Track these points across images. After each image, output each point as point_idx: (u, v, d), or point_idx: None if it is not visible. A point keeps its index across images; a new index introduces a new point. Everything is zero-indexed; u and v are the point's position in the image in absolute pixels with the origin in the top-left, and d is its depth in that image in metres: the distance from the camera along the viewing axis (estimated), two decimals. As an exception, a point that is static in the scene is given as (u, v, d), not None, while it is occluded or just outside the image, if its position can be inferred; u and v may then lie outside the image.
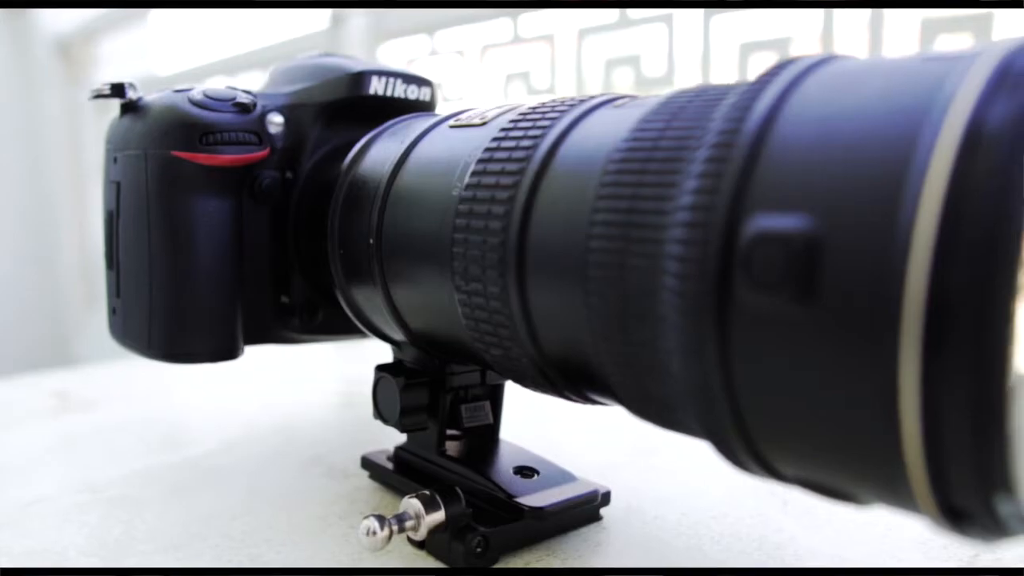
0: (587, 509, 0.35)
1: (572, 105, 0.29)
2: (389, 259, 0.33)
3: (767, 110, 0.21)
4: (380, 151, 0.35)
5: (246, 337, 0.40)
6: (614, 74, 0.89)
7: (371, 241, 0.33)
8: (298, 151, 0.40)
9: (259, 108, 0.38)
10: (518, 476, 0.35)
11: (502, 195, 0.27)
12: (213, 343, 0.38)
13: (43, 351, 1.92)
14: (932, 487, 0.18)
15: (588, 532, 0.35)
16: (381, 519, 0.31)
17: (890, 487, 0.19)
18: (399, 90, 0.40)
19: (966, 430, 0.17)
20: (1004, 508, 0.18)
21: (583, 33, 0.92)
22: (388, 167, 0.34)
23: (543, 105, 0.30)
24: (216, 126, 0.37)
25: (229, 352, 0.38)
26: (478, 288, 0.28)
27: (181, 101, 0.37)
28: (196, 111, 0.37)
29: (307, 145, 0.40)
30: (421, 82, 0.40)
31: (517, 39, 0.98)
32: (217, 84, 0.42)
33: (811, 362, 0.19)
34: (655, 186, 0.23)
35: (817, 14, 0.74)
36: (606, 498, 0.35)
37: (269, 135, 0.39)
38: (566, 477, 0.35)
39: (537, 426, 0.47)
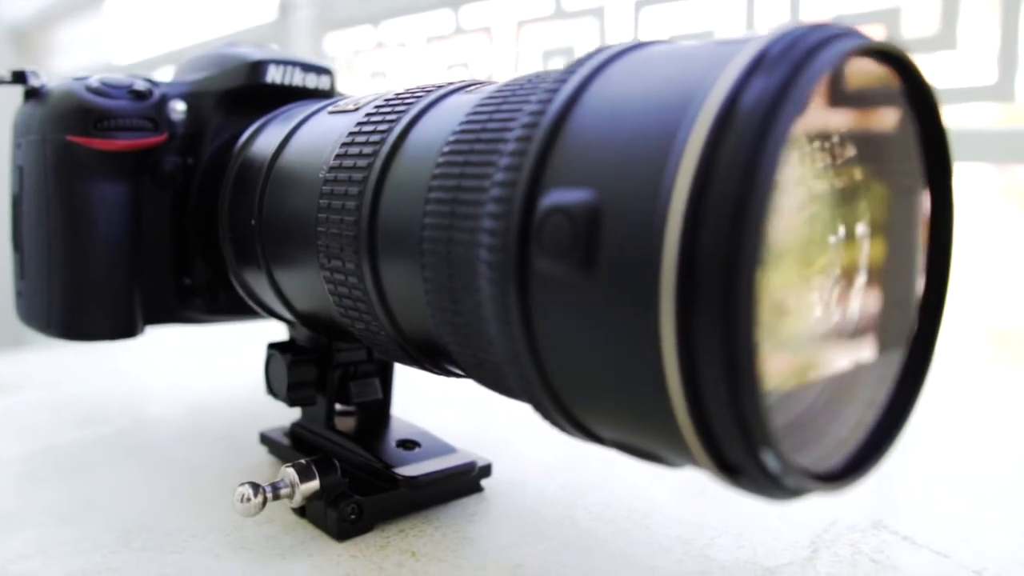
0: (466, 480, 0.36)
1: (429, 91, 0.30)
2: (270, 241, 0.34)
3: (569, 95, 0.22)
4: (266, 136, 0.37)
5: (150, 317, 0.41)
6: (550, 64, 0.91)
7: (253, 223, 0.35)
8: (199, 137, 0.41)
9: (157, 95, 0.40)
10: (400, 449, 0.36)
11: (357, 176, 0.29)
12: (110, 322, 0.39)
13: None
14: (703, 444, 0.20)
15: (468, 502, 0.36)
16: (255, 487, 0.32)
17: (674, 446, 0.21)
18: (297, 78, 0.41)
19: (722, 388, 0.18)
20: (772, 463, 0.19)
21: (521, 24, 0.93)
22: (271, 151, 0.35)
23: (406, 91, 0.31)
24: (111, 112, 0.38)
25: (127, 330, 0.40)
26: (338, 265, 0.30)
27: (78, 88, 0.38)
28: (91, 97, 0.38)
29: (208, 132, 0.41)
30: (319, 70, 0.42)
31: (459, 30, 1.00)
32: (167, 74, 0.44)
33: (595, 327, 0.20)
34: (479, 165, 0.24)
35: (740, 4, 0.76)
36: (486, 470, 0.37)
37: (168, 121, 0.40)
38: (446, 449, 0.37)
39: (437, 402, 0.48)
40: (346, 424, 0.39)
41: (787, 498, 0.22)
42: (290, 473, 0.33)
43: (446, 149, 0.26)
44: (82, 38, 1.83)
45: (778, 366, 0.22)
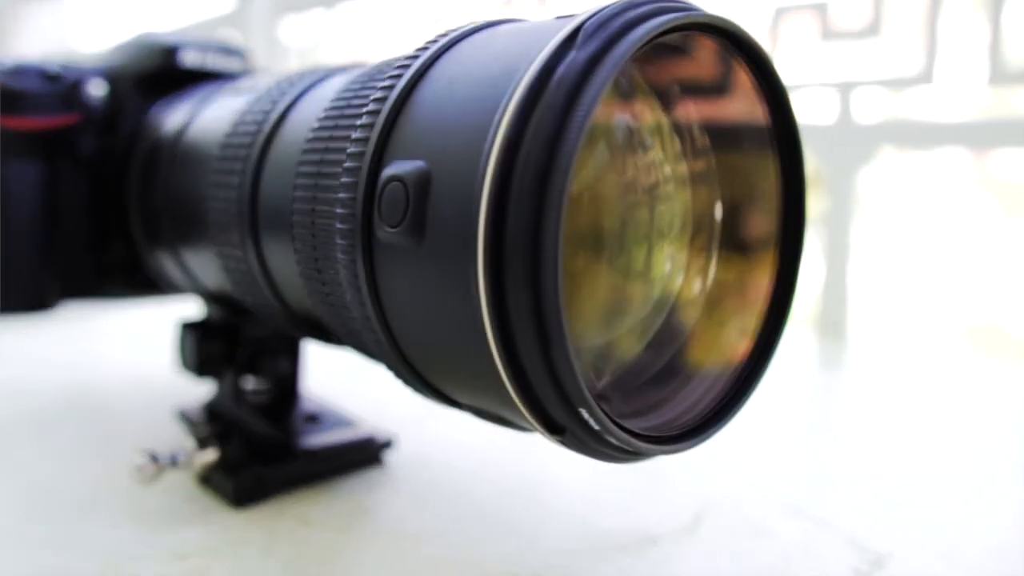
0: (365, 453, 0.37)
1: (315, 72, 0.31)
2: (173, 219, 0.35)
3: (416, 72, 0.23)
4: (171, 118, 0.38)
5: (68, 292, 0.42)
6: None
7: (159, 203, 0.36)
8: (117, 120, 0.42)
9: (71, 78, 0.40)
10: (304, 422, 0.37)
11: (241, 153, 0.30)
12: (23, 296, 0.40)
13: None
14: (527, 404, 0.21)
15: (370, 475, 0.37)
16: (153, 456, 0.33)
17: (506, 408, 0.22)
18: (210, 61, 0.42)
19: (535, 349, 0.19)
20: (592, 421, 0.20)
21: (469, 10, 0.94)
22: (172, 132, 0.36)
23: (296, 73, 0.32)
24: (22, 93, 0.39)
25: (40, 304, 0.41)
26: (226, 240, 0.31)
27: (-8, 71, 0.39)
28: (4, 79, 0.39)
29: (126, 114, 0.42)
30: (231, 52, 0.43)
31: (409, 15, 1.00)
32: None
33: (428, 294, 0.21)
34: (339, 140, 0.25)
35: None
36: (387, 444, 0.38)
37: (83, 104, 0.41)
38: (347, 424, 0.38)
39: (357, 379, 0.49)
40: (257, 399, 0.39)
41: (626, 459, 0.23)
42: (189, 443, 0.34)
43: (316, 126, 0.27)
44: (45, 25, 1.82)
45: (596, 330, 0.23)
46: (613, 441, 0.21)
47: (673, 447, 0.23)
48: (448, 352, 0.22)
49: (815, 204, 0.73)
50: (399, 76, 0.23)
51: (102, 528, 0.32)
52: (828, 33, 0.69)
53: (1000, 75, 0.61)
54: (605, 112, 0.24)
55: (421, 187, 0.21)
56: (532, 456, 0.39)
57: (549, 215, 0.18)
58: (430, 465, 0.39)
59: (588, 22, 0.20)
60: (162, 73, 0.42)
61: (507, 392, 0.21)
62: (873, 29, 0.66)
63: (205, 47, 0.42)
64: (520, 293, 0.19)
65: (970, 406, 0.53)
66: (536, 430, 0.22)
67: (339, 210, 0.24)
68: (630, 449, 0.22)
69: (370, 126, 0.23)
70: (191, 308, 0.45)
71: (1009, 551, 0.32)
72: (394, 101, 0.23)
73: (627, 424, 0.22)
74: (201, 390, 0.42)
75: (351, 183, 0.23)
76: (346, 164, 0.24)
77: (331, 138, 0.26)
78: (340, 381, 0.45)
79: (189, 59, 0.41)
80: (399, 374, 0.25)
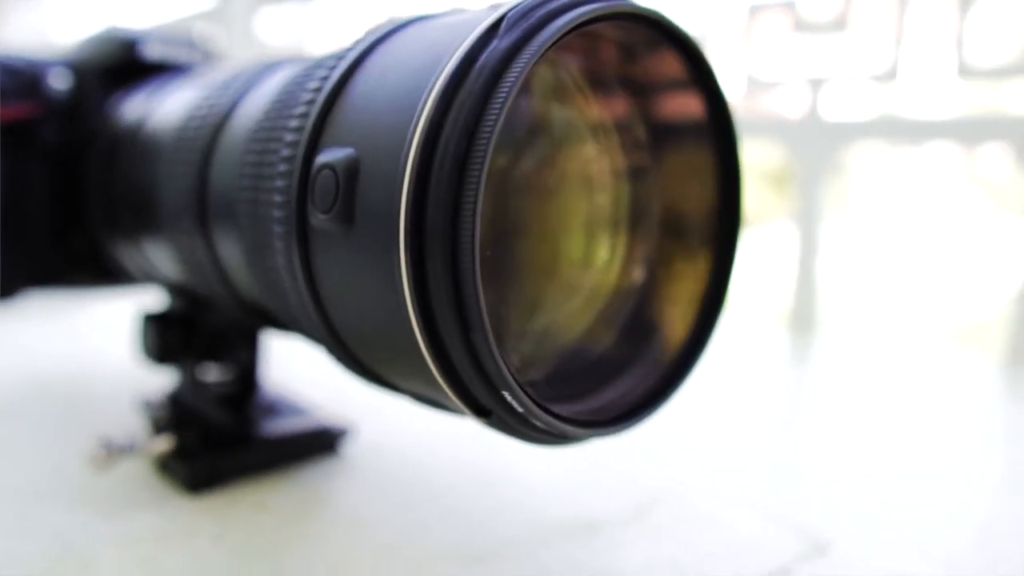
0: (321, 441, 0.38)
1: (265, 64, 0.31)
2: (132, 210, 0.36)
3: (352, 62, 0.24)
4: (131, 108, 0.38)
5: (33, 281, 0.43)
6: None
7: (119, 193, 0.36)
8: (81, 110, 0.42)
9: (34, 70, 0.41)
10: (262, 411, 0.38)
11: (192, 145, 0.30)
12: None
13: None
14: (453, 388, 0.21)
15: (327, 463, 0.38)
16: (109, 443, 0.33)
17: (436, 391, 0.22)
18: (172, 53, 0.42)
19: (456, 332, 0.20)
20: (517, 404, 0.21)
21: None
22: (131, 124, 0.36)
23: (250, 64, 0.33)
24: (-18, 84, 0.39)
25: (2, 293, 0.41)
26: (179, 230, 0.31)
27: (-47, 61, 0.39)
28: (-36, 70, 0.39)
29: (90, 105, 0.42)
30: (193, 45, 0.43)
31: (385, 7, 1.00)
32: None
33: (358, 280, 0.22)
34: (280, 130, 0.25)
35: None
36: (344, 433, 0.38)
37: (47, 95, 0.41)
38: (305, 413, 0.38)
39: (322, 368, 0.50)
40: (220, 391, 0.40)
41: (554, 442, 0.23)
42: (144, 431, 0.34)
43: (261, 117, 0.27)
44: (27, 21, 1.82)
45: (530, 315, 0.24)
46: (538, 424, 0.21)
47: (603, 431, 0.24)
48: (379, 337, 0.22)
49: (786, 199, 0.73)
50: (334, 67, 0.24)
51: (55, 514, 0.32)
52: (800, 27, 0.70)
53: (968, 70, 0.62)
54: (541, 104, 0.25)
55: (350, 174, 0.21)
56: (487, 446, 0.40)
57: (466, 200, 0.19)
58: (388, 454, 0.39)
59: (511, 12, 0.20)
60: (125, 66, 0.42)
61: (433, 375, 0.21)
62: (840, 23, 0.67)
63: (167, 40, 0.42)
64: (440, 278, 0.19)
65: (934, 401, 0.54)
66: (465, 413, 0.22)
67: (276, 198, 0.24)
68: (556, 432, 0.22)
69: (306, 115, 0.24)
70: (155, 298, 0.45)
71: (953, 540, 0.33)
72: (328, 92, 0.23)
73: (560, 408, 0.23)
74: (167, 381, 0.42)
75: (287, 171, 0.23)
76: (283, 153, 0.24)
77: (273, 128, 0.26)
78: (305, 371, 0.45)
79: (151, 52, 0.42)
80: (339, 360, 0.25)
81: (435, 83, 0.20)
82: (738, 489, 0.36)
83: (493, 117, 0.19)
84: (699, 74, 0.24)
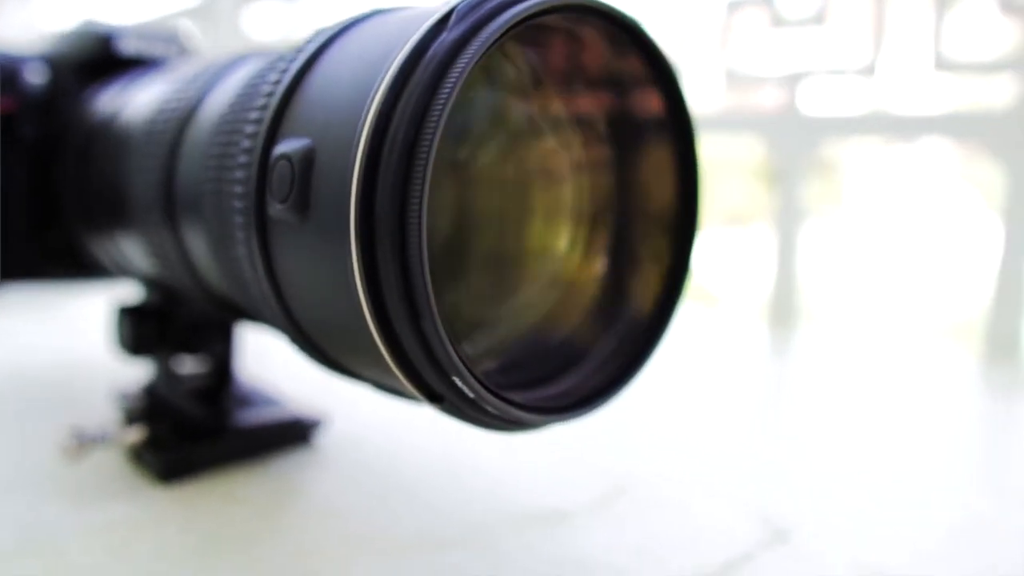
0: (294, 432, 0.38)
1: (234, 57, 0.32)
2: (106, 204, 0.36)
3: (310, 56, 0.24)
4: (105, 103, 0.38)
5: (12, 275, 0.43)
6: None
7: (93, 188, 0.36)
8: (57, 105, 0.42)
9: (10, 64, 0.41)
10: (235, 403, 0.38)
11: (161, 139, 0.31)
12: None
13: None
14: (405, 374, 0.22)
15: (301, 454, 0.38)
16: (81, 433, 0.34)
17: (391, 378, 0.23)
18: (147, 48, 0.43)
19: (405, 318, 0.20)
20: (468, 390, 0.21)
21: None
22: (104, 117, 0.37)
23: (221, 57, 0.33)
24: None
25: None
26: (149, 223, 0.31)
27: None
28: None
29: (66, 99, 0.42)
30: (169, 39, 0.43)
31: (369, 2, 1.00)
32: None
33: (314, 269, 0.22)
34: (242, 122, 0.26)
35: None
36: (316, 424, 0.39)
37: (23, 89, 0.41)
38: (275, 404, 0.38)
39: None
40: (193, 380, 0.40)
41: (508, 428, 0.24)
42: (116, 421, 0.34)
43: (226, 110, 0.27)
44: (17, 18, 1.82)
45: (485, 302, 0.24)
46: (490, 409, 0.22)
47: (558, 417, 0.24)
48: (336, 325, 0.23)
49: (766, 194, 0.74)
50: (293, 60, 0.24)
51: (25, 503, 0.33)
52: (777, 22, 0.70)
53: (946, 64, 0.62)
54: (501, 98, 0.25)
55: (306, 164, 0.22)
56: (458, 437, 0.40)
57: (414, 188, 0.19)
58: (361, 445, 0.40)
59: (461, 5, 0.21)
60: (101, 60, 0.42)
61: (387, 363, 0.21)
62: (819, 18, 0.68)
63: (143, 35, 0.43)
64: (389, 265, 0.20)
65: (910, 395, 0.54)
66: (419, 399, 0.22)
67: (237, 189, 0.24)
68: (509, 418, 0.22)
69: (265, 108, 0.24)
70: (132, 291, 0.46)
71: (915, 530, 0.33)
72: (287, 84, 0.24)
73: (519, 395, 0.23)
74: (146, 374, 0.42)
75: (247, 163, 0.24)
76: (243, 145, 0.24)
77: (236, 120, 0.26)
78: (283, 362, 0.46)
79: (127, 46, 0.42)
80: (302, 349, 0.26)
81: (385, 74, 0.20)
82: (705, 478, 0.37)
83: (440, 106, 0.19)
84: (654, 66, 0.25)
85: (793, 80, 0.70)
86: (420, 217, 0.19)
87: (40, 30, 1.70)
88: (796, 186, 0.70)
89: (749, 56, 0.73)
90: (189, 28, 1.10)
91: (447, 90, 0.19)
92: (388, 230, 0.19)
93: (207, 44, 1.05)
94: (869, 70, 0.66)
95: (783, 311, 0.72)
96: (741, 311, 0.88)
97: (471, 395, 0.21)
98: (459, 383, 0.21)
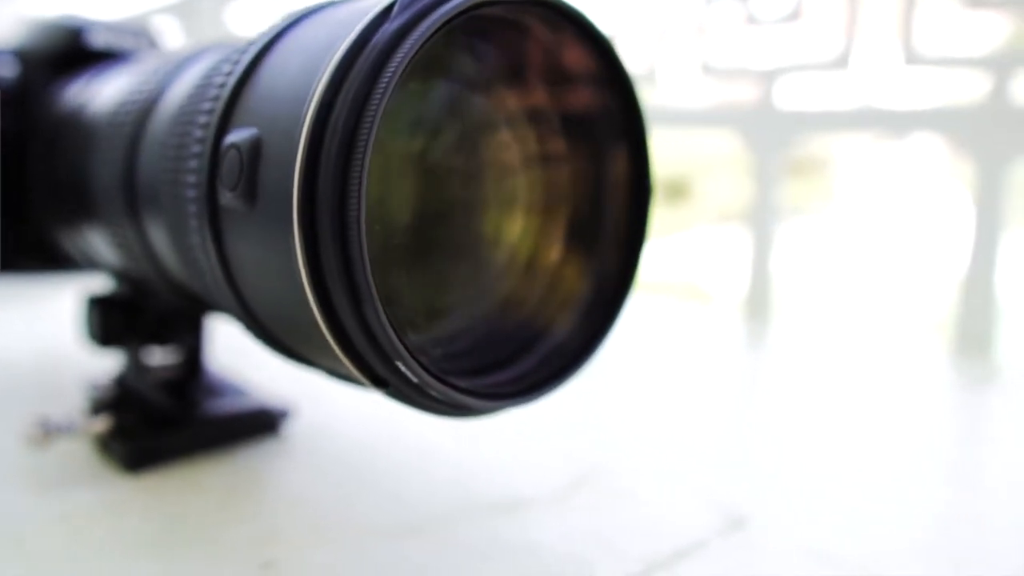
0: (261, 422, 0.38)
1: (196, 50, 0.32)
2: (73, 196, 0.36)
3: (261, 47, 0.24)
4: (74, 95, 0.38)
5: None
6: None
7: (62, 180, 0.37)
8: (28, 98, 0.43)
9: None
10: (204, 393, 0.38)
11: (122, 131, 0.31)
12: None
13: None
14: (350, 359, 0.22)
15: (269, 444, 0.39)
16: (46, 422, 0.34)
17: (339, 366, 0.23)
18: (117, 41, 0.43)
19: (348, 307, 0.21)
20: (412, 375, 0.22)
21: None
22: (70, 110, 0.37)
23: (184, 50, 0.33)
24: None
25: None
26: (113, 215, 0.32)
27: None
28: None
29: (36, 92, 0.43)
30: (138, 33, 0.44)
31: None
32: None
33: (262, 257, 0.23)
34: (197, 113, 0.26)
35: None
36: (283, 414, 0.39)
37: (-7, 84, 0.42)
38: (244, 394, 0.39)
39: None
40: (163, 371, 0.40)
41: (454, 413, 0.24)
42: (81, 410, 0.35)
43: (184, 102, 0.28)
44: (8, 10, 1.81)
45: (433, 288, 0.25)
46: (434, 394, 0.22)
47: (507, 403, 0.24)
48: (285, 312, 0.23)
49: (741, 189, 0.74)
50: (246, 52, 0.25)
51: (-11, 492, 0.33)
52: (752, 20, 0.70)
53: (915, 58, 0.63)
54: (454, 91, 0.26)
55: (253, 153, 0.22)
56: (424, 427, 0.40)
57: (353, 175, 0.19)
58: (332, 437, 0.40)
59: None
60: (71, 53, 0.42)
61: (332, 349, 0.22)
62: (794, 14, 0.68)
63: (113, 28, 0.43)
64: (331, 251, 0.20)
65: (877, 388, 0.55)
66: (366, 384, 0.23)
67: (190, 178, 0.25)
68: (455, 403, 0.23)
69: (217, 98, 0.24)
70: (103, 283, 0.46)
71: (872, 518, 0.34)
72: (239, 75, 0.24)
73: (466, 380, 0.24)
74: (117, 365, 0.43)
75: (200, 152, 0.24)
76: (196, 135, 0.25)
77: (191, 111, 0.27)
78: (254, 352, 0.46)
79: (97, 39, 0.42)
80: (257, 336, 0.26)
81: (328, 63, 0.21)
82: (668, 468, 0.37)
83: (380, 93, 0.20)
84: (602, 58, 0.25)
85: (768, 75, 0.70)
86: (360, 203, 0.19)
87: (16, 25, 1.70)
88: (773, 181, 0.71)
89: (723, 50, 0.74)
90: (172, 25, 1.10)
91: (387, 78, 0.20)
92: (330, 217, 0.20)
93: (191, 41, 1.06)
94: (842, 63, 0.67)
95: (758, 305, 0.73)
96: (730, 308, 0.88)
97: (415, 380, 0.22)
98: (402, 368, 0.21)
